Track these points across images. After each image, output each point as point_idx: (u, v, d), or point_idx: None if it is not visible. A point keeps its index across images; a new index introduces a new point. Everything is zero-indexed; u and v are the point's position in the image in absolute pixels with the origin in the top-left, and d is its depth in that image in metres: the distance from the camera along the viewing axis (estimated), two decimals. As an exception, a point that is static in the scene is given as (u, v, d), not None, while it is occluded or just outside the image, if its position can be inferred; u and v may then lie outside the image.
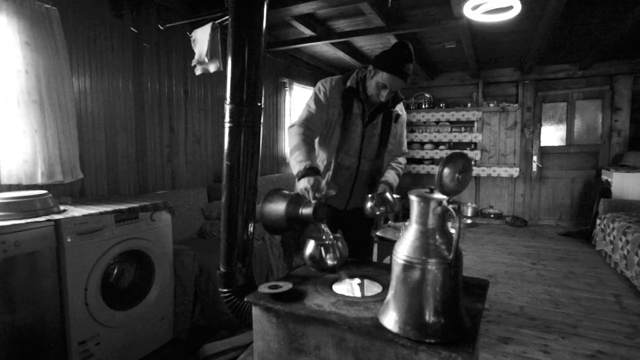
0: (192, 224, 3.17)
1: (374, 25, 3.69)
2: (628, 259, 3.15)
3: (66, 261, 1.79)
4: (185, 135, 3.43)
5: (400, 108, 1.86)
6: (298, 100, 5.11)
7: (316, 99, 1.72)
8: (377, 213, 1.67)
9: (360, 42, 4.61)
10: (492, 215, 5.84)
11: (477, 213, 5.94)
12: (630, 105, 5.06)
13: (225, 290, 1.46)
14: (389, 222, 3.52)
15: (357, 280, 1.45)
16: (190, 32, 2.71)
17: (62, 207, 2.01)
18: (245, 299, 1.27)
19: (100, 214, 1.95)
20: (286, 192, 1.50)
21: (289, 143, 1.65)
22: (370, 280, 1.48)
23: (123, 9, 2.78)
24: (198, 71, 2.75)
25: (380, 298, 1.27)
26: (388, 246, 3.06)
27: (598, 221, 4.11)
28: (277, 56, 4.65)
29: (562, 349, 2.25)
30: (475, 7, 2.32)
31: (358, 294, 1.43)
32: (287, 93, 4.93)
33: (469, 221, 5.69)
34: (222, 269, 1.47)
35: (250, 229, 1.49)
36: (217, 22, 2.37)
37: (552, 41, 4.19)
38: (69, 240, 1.80)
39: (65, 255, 1.78)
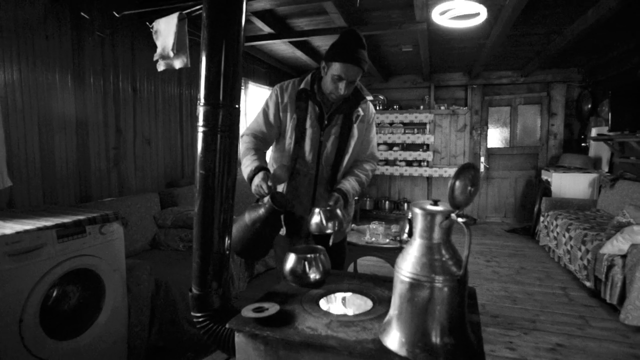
0: (144, 233, 2.89)
1: (336, 25, 3.64)
2: (572, 253, 3.40)
3: (-5, 288, 1.50)
4: (134, 137, 3.12)
5: (364, 107, 1.71)
6: (254, 99, 4.93)
7: (265, 107, 1.68)
8: (327, 232, 1.47)
9: (318, 41, 4.54)
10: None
11: (430, 212, 6.14)
12: (564, 110, 5.53)
13: (200, 314, 1.30)
14: (352, 225, 3.46)
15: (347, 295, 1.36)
16: (151, 22, 2.41)
17: (-13, 223, 1.69)
18: (228, 326, 1.13)
19: (39, 229, 1.67)
20: None
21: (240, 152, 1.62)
22: (357, 294, 1.40)
23: (59, -9, 2.44)
24: (161, 67, 2.46)
25: (375, 315, 1.19)
26: (352, 251, 3.00)
27: (541, 218, 4.42)
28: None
29: (526, 345, 2.35)
30: (443, 13, 2.34)
31: (348, 310, 1.34)
32: (243, 92, 4.72)
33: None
34: (195, 291, 1.30)
35: (227, 243, 1.34)
36: (184, 12, 2.13)
37: (499, 49, 4.43)
38: (-2, 262, 1.51)
39: (-6, 281, 1.49)
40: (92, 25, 2.68)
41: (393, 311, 1.04)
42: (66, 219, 1.81)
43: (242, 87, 4.68)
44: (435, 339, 0.97)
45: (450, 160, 6.15)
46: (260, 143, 1.67)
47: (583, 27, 3.33)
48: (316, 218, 1.48)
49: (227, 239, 1.33)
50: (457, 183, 0.92)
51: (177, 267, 2.52)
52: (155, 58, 2.39)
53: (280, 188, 1.69)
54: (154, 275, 2.29)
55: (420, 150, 6.10)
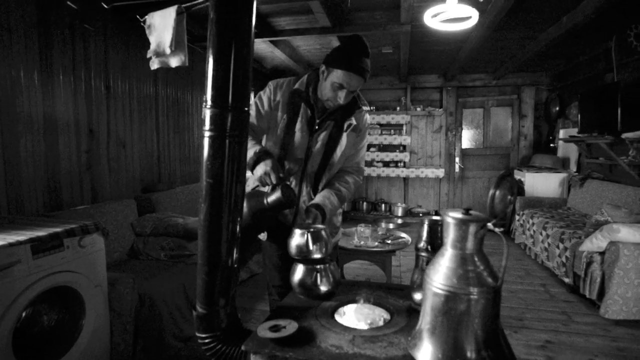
0: (121, 242, 2.70)
1: (319, 25, 3.57)
2: (549, 251, 3.52)
3: (-38, 314, 1.31)
4: (108, 138, 2.90)
5: (358, 117, 1.62)
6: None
7: (257, 101, 1.61)
8: (312, 257, 1.31)
9: (298, 41, 4.46)
10: (420, 214, 6.16)
11: (407, 212, 6.23)
12: (533, 113, 5.77)
13: (206, 335, 1.19)
14: (340, 229, 3.40)
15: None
16: (142, 16, 2.19)
17: (-52, 238, 1.49)
18: (244, 348, 1.04)
19: (11, 244, 1.49)
20: None
21: None
22: (373, 305, 1.34)
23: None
24: (154, 65, 2.26)
25: (398, 328, 1.14)
26: (341, 255, 2.95)
27: (517, 217, 4.57)
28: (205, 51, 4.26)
29: (517, 343, 2.39)
30: (434, 15, 2.34)
31: (364, 323, 1.28)
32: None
33: (399, 221, 5.93)
34: (200, 310, 1.20)
35: (235, 256, 1.24)
36: (183, 5, 1.97)
37: (476, 52, 4.53)
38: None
39: (-39, 305, 1.31)
40: (61, 18, 2.46)
41: (425, 325, 0.99)
42: (41, 232, 1.63)
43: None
44: (472, 352, 0.93)
45: (427, 161, 6.25)
46: (252, 132, 1.57)
47: (558, 33, 3.46)
48: (297, 240, 1.30)
49: (235, 251, 1.23)
50: (497, 193, 0.89)
51: (160, 278, 2.37)
52: (148, 55, 2.18)
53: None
54: (137, 288, 2.13)
55: (397, 151, 6.16)
